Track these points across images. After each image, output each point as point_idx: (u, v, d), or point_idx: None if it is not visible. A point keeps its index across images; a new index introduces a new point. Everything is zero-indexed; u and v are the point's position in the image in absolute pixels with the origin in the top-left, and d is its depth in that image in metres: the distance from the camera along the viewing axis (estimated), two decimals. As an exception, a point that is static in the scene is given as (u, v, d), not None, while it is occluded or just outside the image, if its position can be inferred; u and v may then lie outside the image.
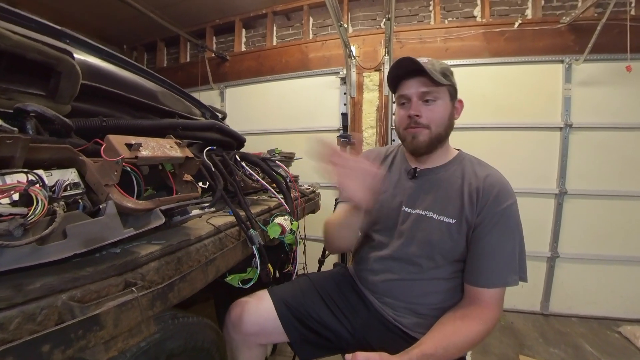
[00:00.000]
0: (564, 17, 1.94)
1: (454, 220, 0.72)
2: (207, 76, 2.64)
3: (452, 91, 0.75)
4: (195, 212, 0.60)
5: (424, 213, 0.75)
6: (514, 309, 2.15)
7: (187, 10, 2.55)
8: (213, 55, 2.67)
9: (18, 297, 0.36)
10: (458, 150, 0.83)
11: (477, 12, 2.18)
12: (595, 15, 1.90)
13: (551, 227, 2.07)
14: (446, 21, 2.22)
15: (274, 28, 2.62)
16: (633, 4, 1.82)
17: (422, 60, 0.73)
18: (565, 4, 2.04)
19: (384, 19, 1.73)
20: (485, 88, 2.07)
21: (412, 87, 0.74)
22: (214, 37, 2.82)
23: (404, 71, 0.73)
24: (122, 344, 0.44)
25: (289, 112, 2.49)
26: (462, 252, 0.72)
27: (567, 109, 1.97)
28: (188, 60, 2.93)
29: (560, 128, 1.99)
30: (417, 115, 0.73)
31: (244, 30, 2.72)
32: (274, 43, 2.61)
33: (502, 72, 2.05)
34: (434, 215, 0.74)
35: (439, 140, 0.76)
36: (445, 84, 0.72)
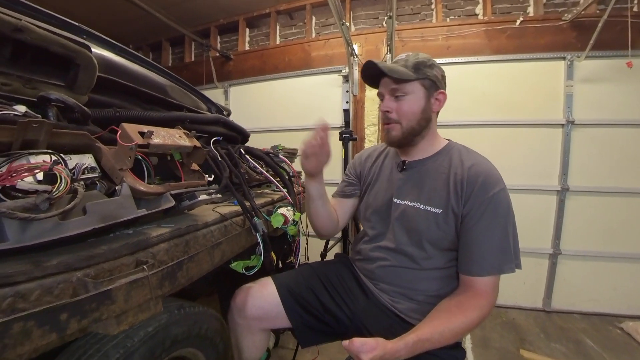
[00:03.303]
0: (565, 14, 1.95)
1: (441, 210, 0.73)
2: (212, 75, 2.69)
3: (428, 84, 0.75)
4: (203, 197, 0.64)
5: (412, 204, 0.78)
6: (515, 305, 2.15)
7: (191, 10, 2.60)
8: (217, 54, 2.72)
9: (37, 271, 0.39)
10: (448, 140, 0.84)
11: (478, 9, 2.19)
12: (597, 12, 1.91)
13: (553, 223, 2.07)
14: (448, 19, 2.24)
15: (277, 27, 2.66)
16: (635, 1, 1.82)
17: (401, 56, 0.77)
18: (567, 1, 2.05)
19: (386, 18, 1.75)
20: (487, 85, 2.08)
21: (384, 85, 0.77)
22: (218, 37, 2.87)
23: (377, 72, 0.75)
24: (132, 319, 0.48)
25: (292, 110, 2.52)
26: (452, 240, 0.73)
27: (569, 106, 1.97)
28: (193, 59, 2.99)
29: (562, 125, 2.00)
30: (387, 111, 0.76)
31: (247, 29, 2.77)
32: (277, 42, 2.65)
33: (504, 70, 2.06)
34: (421, 206, 0.76)
35: (413, 133, 0.77)
36: (412, 79, 0.73)
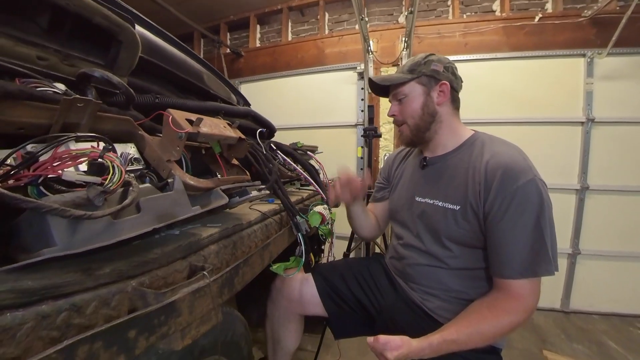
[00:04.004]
0: (585, 11, 1.92)
1: (459, 207, 0.70)
2: (223, 72, 2.61)
3: (425, 80, 0.76)
4: (254, 193, 0.57)
5: (431, 202, 0.76)
6: (533, 306, 2.11)
7: (201, 7, 2.53)
8: (228, 51, 2.64)
9: (89, 281, 0.33)
10: (474, 131, 0.80)
11: (496, 6, 2.16)
12: (618, 8, 1.89)
13: (572, 223, 2.03)
14: (465, 16, 2.20)
15: (289, 23, 2.59)
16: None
17: (404, 62, 0.81)
18: (586, -2, 2.03)
19: (406, 13, 1.71)
20: (506, 83, 2.04)
21: (390, 93, 0.82)
22: (228, 33, 2.80)
23: (380, 85, 0.80)
24: (195, 332, 0.42)
25: (305, 107, 2.46)
26: (475, 238, 0.68)
27: (589, 104, 1.94)
28: (202, 56, 2.90)
29: (582, 123, 1.97)
30: (393, 115, 0.81)
31: (258, 26, 2.71)
32: (289, 39, 2.59)
33: (523, 67, 2.02)
34: (440, 203, 0.74)
35: (421, 130, 0.77)
36: (407, 80, 0.75)
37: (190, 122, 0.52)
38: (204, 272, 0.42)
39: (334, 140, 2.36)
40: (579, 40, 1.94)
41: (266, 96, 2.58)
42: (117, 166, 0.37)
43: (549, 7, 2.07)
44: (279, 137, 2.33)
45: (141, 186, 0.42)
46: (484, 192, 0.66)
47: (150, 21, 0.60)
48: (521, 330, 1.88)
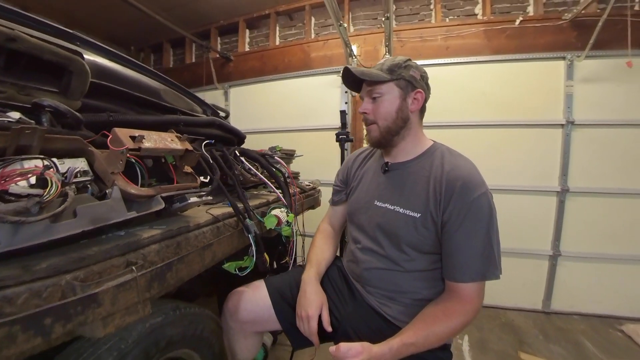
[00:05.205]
0: (565, 14, 1.93)
1: (419, 215, 0.73)
2: (212, 76, 2.71)
3: (404, 84, 0.76)
4: (193, 199, 0.65)
5: (392, 207, 0.78)
6: (515, 307, 2.14)
7: (192, 12, 2.62)
8: (217, 55, 2.74)
9: (26, 275, 0.40)
10: (433, 141, 0.83)
11: (478, 9, 2.18)
12: (598, 11, 1.89)
13: (553, 225, 2.05)
14: (447, 19, 2.23)
15: (277, 28, 2.67)
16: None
17: (381, 61, 0.79)
18: (567, 0, 2.03)
19: (383, 18, 1.76)
20: (487, 86, 2.06)
21: (363, 89, 0.80)
22: (219, 38, 2.89)
23: (356, 77, 0.77)
24: (119, 321, 0.48)
25: (291, 110, 2.53)
26: (433, 244, 0.73)
27: (569, 106, 1.95)
28: (193, 60, 3.02)
29: (562, 125, 1.98)
30: (364, 113, 0.79)
31: (247, 30, 2.79)
32: (277, 43, 2.66)
33: (504, 70, 2.04)
34: (401, 210, 0.76)
35: (390, 133, 0.77)
36: (386, 80, 0.74)
37: (134, 138, 0.61)
38: (133, 267, 0.51)
39: (319, 143, 2.42)
40: (559, 43, 1.95)
41: (255, 100, 2.67)
42: (55, 182, 0.46)
43: (530, 10, 2.08)
44: (266, 140, 2.41)
45: (80, 195, 0.50)
46: (444, 202, 0.70)
47: (106, 47, 0.69)
48: (499, 331, 1.91)
